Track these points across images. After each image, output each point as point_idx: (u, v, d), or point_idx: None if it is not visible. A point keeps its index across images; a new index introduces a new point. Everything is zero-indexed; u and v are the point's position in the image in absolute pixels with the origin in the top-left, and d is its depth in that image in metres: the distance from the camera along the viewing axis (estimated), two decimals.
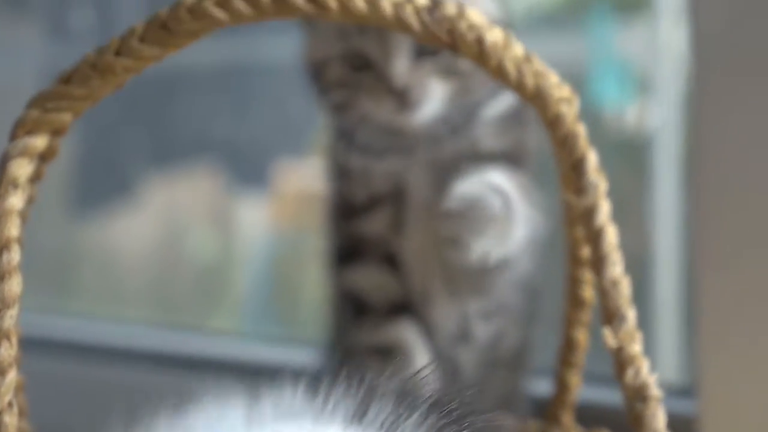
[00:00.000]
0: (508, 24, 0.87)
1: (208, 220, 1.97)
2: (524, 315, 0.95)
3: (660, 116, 1.43)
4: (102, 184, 1.89)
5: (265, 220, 1.84)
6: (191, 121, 1.82)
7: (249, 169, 1.79)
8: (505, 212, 0.85)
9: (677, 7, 1.34)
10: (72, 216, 1.96)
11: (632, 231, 1.54)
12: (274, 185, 1.71)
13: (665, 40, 1.40)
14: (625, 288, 0.63)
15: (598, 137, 1.57)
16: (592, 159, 0.64)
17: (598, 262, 0.62)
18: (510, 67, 0.62)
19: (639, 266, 1.40)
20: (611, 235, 0.63)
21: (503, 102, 0.90)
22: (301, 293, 1.70)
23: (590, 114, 1.54)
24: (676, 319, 1.34)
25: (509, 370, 0.95)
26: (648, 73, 1.48)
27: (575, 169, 0.64)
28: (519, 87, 0.62)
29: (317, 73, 0.90)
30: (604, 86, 1.53)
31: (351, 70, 0.88)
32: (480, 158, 0.89)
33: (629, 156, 1.61)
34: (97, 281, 1.99)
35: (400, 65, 0.85)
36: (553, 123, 0.64)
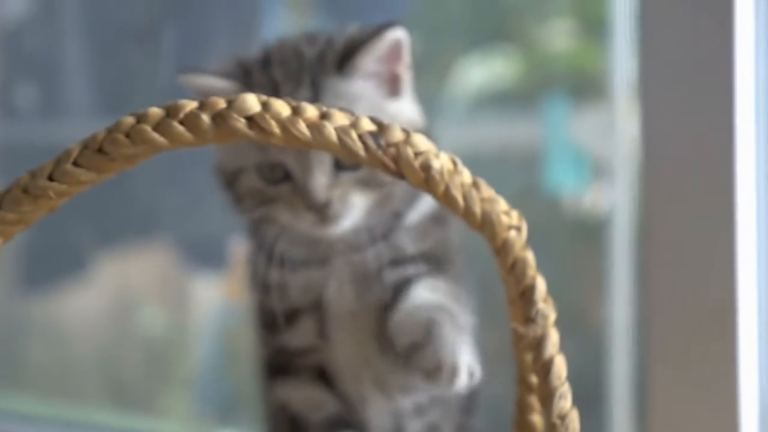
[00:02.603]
0: (428, 131, 0.86)
1: (159, 296, 1.95)
2: (461, 406, 0.93)
3: (615, 198, 1.44)
4: (52, 259, 1.88)
5: (219, 296, 1.83)
6: (144, 197, 1.80)
7: (202, 245, 1.77)
8: (453, 334, 0.82)
9: (631, 92, 1.36)
10: (20, 292, 1.94)
11: (590, 311, 1.55)
12: (231, 260, 1.69)
13: (620, 124, 1.41)
14: (573, 422, 0.61)
15: (554, 219, 1.60)
16: (541, 287, 0.62)
17: (547, 396, 0.60)
18: (457, 195, 0.61)
19: (596, 341, 1.42)
20: (560, 367, 0.61)
21: (424, 206, 0.89)
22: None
23: (546, 196, 1.57)
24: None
25: None
26: (603, 156, 1.49)
27: (523, 297, 0.62)
28: (466, 214, 0.61)
29: (231, 181, 0.88)
30: (560, 169, 1.53)
31: (266, 182, 0.86)
32: (403, 263, 0.87)
33: (585, 237, 1.61)
34: (45, 358, 1.97)
35: (321, 181, 0.83)
36: (500, 250, 0.62)
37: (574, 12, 1.64)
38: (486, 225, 0.62)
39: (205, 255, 1.77)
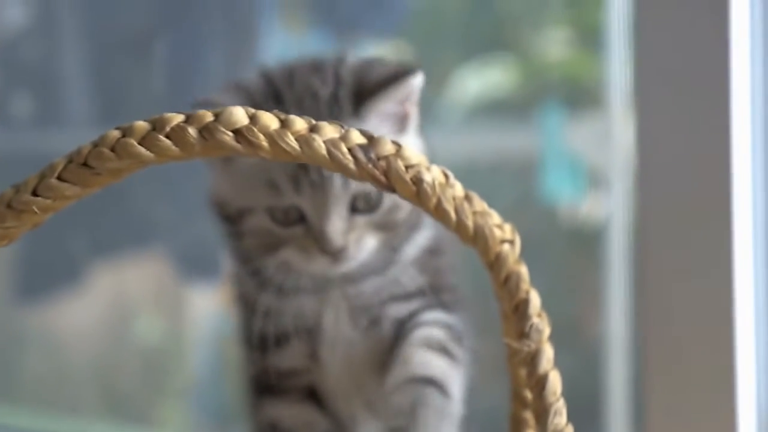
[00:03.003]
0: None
1: (155, 306, 1.95)
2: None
3: (611, 207, 1.43)
4: (47, 269, 1.87)
5: (215, 305, 1.82)
6: (139, 206, 1.80)
7: (198, 254, 1.76)
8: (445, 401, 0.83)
9: (627, 101, 1.36)
10: (16, 302, 1.93)
11: (586, 322, 1.54)
12: (227, 269, 1.68)
13: (616, 133, 1.41)
14: None
15: (550, 229, 1.59)
16: (535, 302, 0.61)
17: (542, 412, 0.59)
18: (449, 208, 0.60)
19: (592, 352, 1.42)
20: (555, 383, 0.60)
21: (421, 240, 0.88)
22: None
23: (542, 206, 1.56)
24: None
25: None
26: (599, 166, 1.49)
27: (517, 312, 0.61)
28: (459, 228, 0.60)
29: (234, 218, 0.87)
30: (556, 178, 1.53)
31: (278, 224, 0.84)
32: (401, 298, 0.87)
33: (581, 246, 1.61)
34: (41, 368, 1.96)
35: (338, 227, 0.82)
36: (493, 264, 0.61)
37: (570, 21, 1.63)
38: (479, 239, 0.61)
39: (201, 264, 1.77)
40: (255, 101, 0.85)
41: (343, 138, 0.59)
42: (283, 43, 1.75)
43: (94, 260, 1.86)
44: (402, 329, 0.87)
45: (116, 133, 0.58)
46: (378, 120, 0.85)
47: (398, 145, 0.60)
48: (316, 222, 0.83)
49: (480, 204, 0.61)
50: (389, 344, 0.87)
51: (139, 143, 0.57)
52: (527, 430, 0.70)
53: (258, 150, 0.57)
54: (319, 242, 0.83)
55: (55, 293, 1.87)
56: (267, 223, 0.85)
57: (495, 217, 0.61)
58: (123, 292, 1.91)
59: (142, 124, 0.58)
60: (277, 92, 0.86)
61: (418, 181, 0.59)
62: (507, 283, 0.61)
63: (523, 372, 0.62)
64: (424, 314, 0.88)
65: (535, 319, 0.61)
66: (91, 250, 1.85)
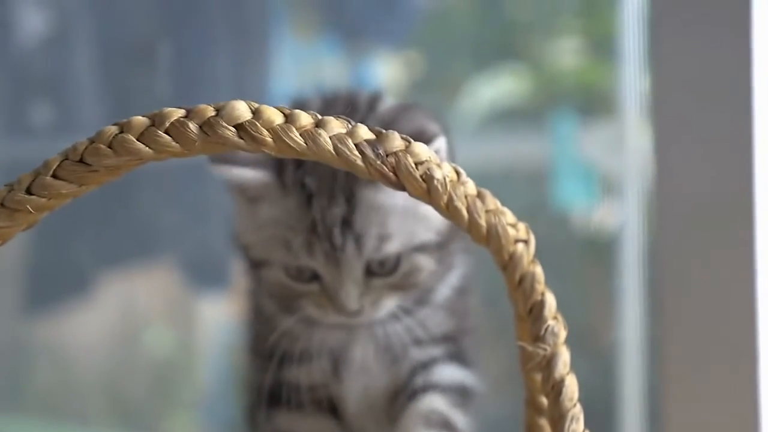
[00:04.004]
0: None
1: (165, 316, 1.93)
2: None
3: (624, 214, 1.42)
4: (54, 280, 1.86)
5: (225, 315, 1.80)
6: (147, 216, 1.79)
7: (207, 264, 1.75)
8: None
9: (640, 108, 1.35)
10: (23, 313, 1.92)
11: (600, 331, 1.53)
12: (237, 279, 1.66)
13: (629, 140, 1.40)
14: None
15: (563, 236, 1.57)
16: (551, 303, 0.59)
17: (558, 419, 0.57)
18: (461, 206, 0.57)
19: (606, 360, 1.41)
20: (572, 388, 0.58)
21: (455, 279, 0.87)
22: None
23: (555, 213, 1.55)
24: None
25: None
26: (612, 172, 1.48)
27: (532, 314, 0.58)
28: (471, 227, 0.57)
29: (254, 265, 0.86)
30: (569, 186, 1.52)
31: (294, 280, 0.83)
32: (425, 343, 0.86)
33: (595, 254, 1.60)
34: (49, 380, 1.95)
35: (352, 292, 0.81)
36: (507, 265, 0.58)
37: (583, 29, 1.62)
38: (492, 238, 0.58)
39: (210, 274, 1.75)
40: (281, 161, 0.83)
41: (350, 133, 0.56)
42: (293, 49, 1.73)
43: (102, 270, 1.85)
44: (412, 382, 0.86)
45: (113, 129, 0.56)
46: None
47: (408, 141, 0.58)
48: (330, 285, 0.82)
49: (493, 202, 0.58)
50: (403, 385, 0.86)
51: (138, 139, 0.55)
52: None
53: (262, 145, 0.55)
54: (334, 305, 0.82)
55: (63, 304, 1.86)
56: (283, 278, 0.83)
57: (509, 216, 0.59)
58: (132, 302, 1.90)
59: (140, 119, 0.55)
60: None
61: (428, 178, 0.57)
62: (521, 284, 0.59)
63: (538, 377, 0.60)
64: (437, 370, 0.87)
65: (550, 322, 0.58)
66: (99, 260, 1.84)
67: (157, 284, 1.88)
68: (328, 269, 0.81)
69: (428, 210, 0.81)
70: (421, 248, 0.83)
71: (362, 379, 0.87)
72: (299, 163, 0.82)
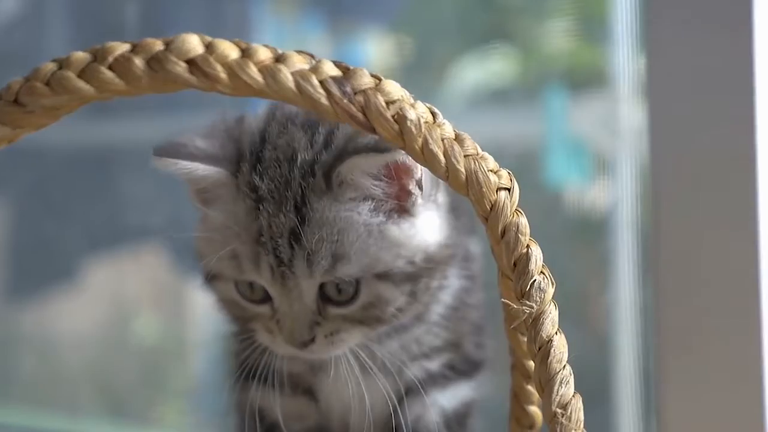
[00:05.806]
0: (455, 254, 0.78)
1: (153, 303, 1.91)
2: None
3: (617, 192, 1.40)
4: (40, 266, 1.83)
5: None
6: (135, 200, 1.75)
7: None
8: None
9: (633, 85, 1.32)
10: (8, 301, 1.90)
11: (593, 309, 1.51)
12: None
13: (622, 117, 1.38)
14: (577, 411, 0.52)
15: (555, 214, 1.54)
16: (537, 256, 0.53)
17: (546, 382, 0.51)
18: (437, 150, 0.52)
19: (600, 335, 1.39)
20: (560, 349, 0.52)
21: (446, 299, 0.79)
22: None
23: (547, 192, 1.52)
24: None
25: None
26: (604, 150, 1.46)
27: (517, 268, 0.53)
28: (449, 173, 0.52)
29: (208, 279, 0.76)
30: (560, 164, 1.50)
31: (245, 299, 0.74)
32: (420, 359, 0.79)
33: (587, 232, 1.58)
34: (36, 368, 1.93)
35: (303, 319, 0.73)
36: (489, 215, 0.53)
37: (574, 10, 1.59)
38: (472, 186, 0.52)
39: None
40: (241, 154, 0.73)
41: (314, 69, 0.51)
42: (276, 29, 1.68)
43: (89, 255, 1.82)
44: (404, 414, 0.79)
45: (52, 66, 0.50)
46: (354, 193, 0.72)
47: (378, 79, 0.52)
48: (278, 309, 0.73)
49: (473, 146, 0.53)
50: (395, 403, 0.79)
51: (78, 76, 0.49)
52: (531, 405, 0.61)
53: (215, 83, 0.49)
54: (282, 331, 0.73)
55: (49, 291, 1.83)
56: (234, 294, 0.75)
57: (490, 162, 0.53)
58: (119, 288, 1.87)
59: (81, 55, 0.50)
60: (259, 157, 0.73)
61: (400, 118, 0.51)
62: (505, 236, 0.53)
63: (524, 338, 0.54)
64: (432, 396, 0.79)
65: (537, 276, 0.53)
66: (85, 246, 1.81)
67: (146, 270, 1.85)
68: (275, 288, 0.72)
69: (401, 234, 0.73)
70: (386, 277, 0.72)
71: (341, 394, 0.79)
72: (256, 162, 0.73)
